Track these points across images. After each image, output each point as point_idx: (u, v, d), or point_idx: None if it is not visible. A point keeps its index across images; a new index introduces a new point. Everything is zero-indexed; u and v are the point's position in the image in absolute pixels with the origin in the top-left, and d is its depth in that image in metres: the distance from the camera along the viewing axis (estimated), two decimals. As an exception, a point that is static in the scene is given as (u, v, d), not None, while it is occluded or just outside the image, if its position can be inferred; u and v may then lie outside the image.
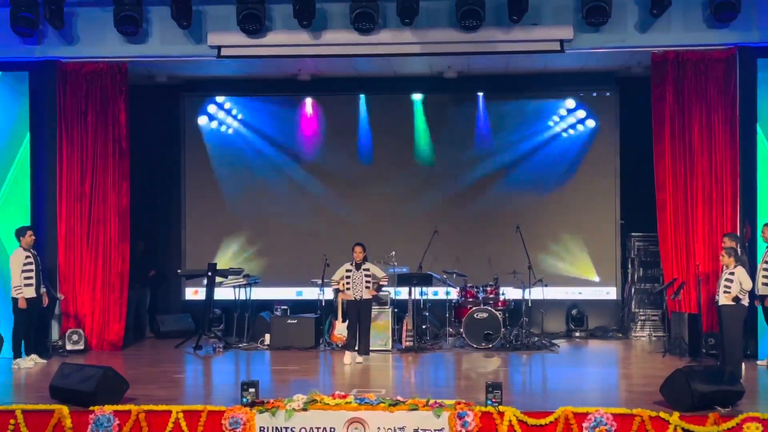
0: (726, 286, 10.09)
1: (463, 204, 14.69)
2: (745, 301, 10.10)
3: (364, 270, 11.72)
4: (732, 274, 10.09)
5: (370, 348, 11.86)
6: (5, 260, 11.83)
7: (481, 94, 14.68)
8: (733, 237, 11.26)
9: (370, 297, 11.84)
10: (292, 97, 14.91)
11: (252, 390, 8.38)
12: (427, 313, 13.15)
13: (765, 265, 11.00)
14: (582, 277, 14.60)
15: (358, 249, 11.75)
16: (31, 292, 11.42)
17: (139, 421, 8.29)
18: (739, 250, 10.62)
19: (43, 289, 11.67)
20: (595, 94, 14.68)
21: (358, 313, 11.70)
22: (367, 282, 11.69)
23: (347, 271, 11.76)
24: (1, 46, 12.32)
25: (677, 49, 12.24)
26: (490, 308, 12.75)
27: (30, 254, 11.53)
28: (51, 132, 12.65)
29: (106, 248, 12.77)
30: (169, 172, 14.80)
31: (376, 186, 14.77)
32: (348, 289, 11.72)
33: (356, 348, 11.67)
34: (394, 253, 13.29)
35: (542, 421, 8.14)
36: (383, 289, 12.37)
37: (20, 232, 11.60)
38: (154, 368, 11.29)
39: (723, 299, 10.12)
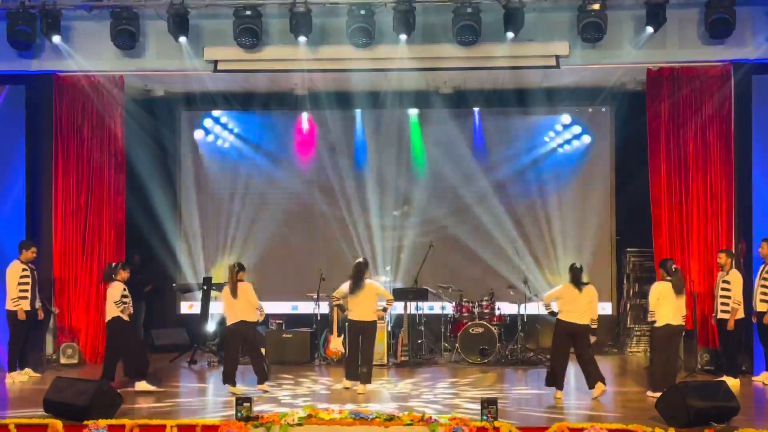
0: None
1: (459, 218, 14.67)
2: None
3: (368, 289, 10.68)
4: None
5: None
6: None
7: (477, 109, 14.69)
8: (728, 253, 11.28)
9: (374, 319, 10.80)
10: (289, 111, 14.91)
11: (247, 404, 8.34)
12: (422, 328, 13.11)
13: (763, 282, 11.00)
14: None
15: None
16: (26, 306, 11.38)
17: (134, 435, 8.26)
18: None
19: (38, 303, 11.64)
20: (590, 110, 14.71)
21: (359, 336, 10.75)
22: (371, 302, 10.68)
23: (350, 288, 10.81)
24: (-3, 59, 12.34)
25: (672, 65, 12.29)
26: (485, 323, 12.74)
27: (27, 267, 11.50)
28: (47, 145, 12.65)
29: (102, 262, 12.70)
30: (165, 185, 14.77)
31: (372, 200, 14.74)
32: (349, 309, 10.80)
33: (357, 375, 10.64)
34: (389, 268, 13.27)
35: (538, 437, 8.14)
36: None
37: (24, 246, 11.57)
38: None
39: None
